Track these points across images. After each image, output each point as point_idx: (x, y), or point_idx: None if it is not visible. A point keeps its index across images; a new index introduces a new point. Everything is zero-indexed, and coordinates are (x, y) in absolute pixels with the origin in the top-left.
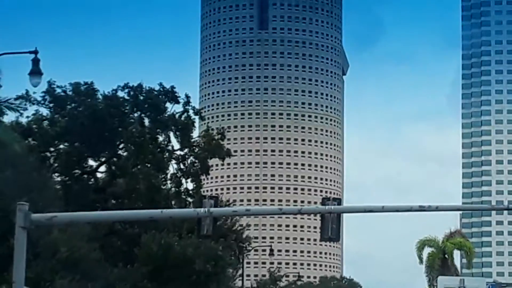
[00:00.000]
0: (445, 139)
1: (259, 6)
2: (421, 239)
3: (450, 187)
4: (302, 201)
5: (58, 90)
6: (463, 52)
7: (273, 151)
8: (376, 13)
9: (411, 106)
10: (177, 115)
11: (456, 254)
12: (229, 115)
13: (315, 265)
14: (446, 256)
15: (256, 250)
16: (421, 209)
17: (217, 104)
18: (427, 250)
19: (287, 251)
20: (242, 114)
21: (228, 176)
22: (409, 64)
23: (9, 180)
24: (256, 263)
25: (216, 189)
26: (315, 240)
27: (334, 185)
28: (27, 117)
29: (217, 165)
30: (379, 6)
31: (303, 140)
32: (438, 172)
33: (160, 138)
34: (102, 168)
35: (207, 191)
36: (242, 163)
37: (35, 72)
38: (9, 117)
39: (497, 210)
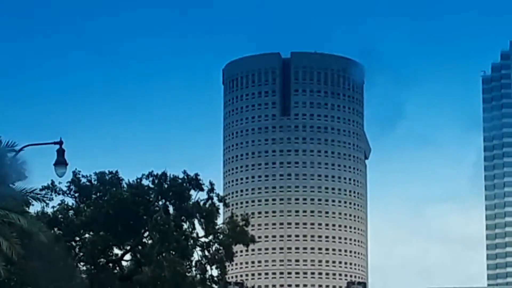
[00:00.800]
0: (469, 221)
1: (281, 93)
2: None
3: (475, 268)
4: (327, 286)
5: (83, 179)
6: (484, 134)
7: (297, 236)
8: (397, 96)
9: (433, 188)
10: (201, 202)
11: None
12: (253, 201)
13: None
14: None
15: None
16: None
17: (241, 191)
18: None
19: None
20: (266, 200)
21: (253, 262)
22: (430, 146)
23: (36, 271)
24: None
25: (241, 275)
26: None
27: (359, 269)
28: (53, 207)
29: (241, 251)
30: (400, 89)
31: (327, 224)
32: (462, 253)
33: (185, 226)
34: (127, 257)
35: (232, 277)
36: (267, 249)
37: (60, 162)
38: (35, 207)
39: None
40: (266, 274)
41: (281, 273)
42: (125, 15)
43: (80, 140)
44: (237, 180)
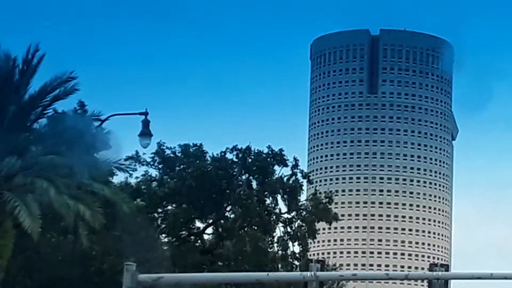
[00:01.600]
0: None
1: (369, 70)
2: None
3: None
4: (409, 267)
5: (168, 151)
6: None
7: (380, 215)
8: (486, 78)
9: None
10: (285, 178)
11: None
12: (337, 179)
13: None
14: None
15: None
16: None
17: (325, 168)
18: None
19: None
20: (350, 178)
21: (335, 240)
22: None
23: (118, 240)
24: None
25: (323, 253)
26: None
27: (442, 251)
28: (136, 177)
29: (324, 228)
30: (490, 71)
31: (411, 205)
32: None
33: (268, 201)
34: (209, 230)
35: (314, 254)
36: (349, 227)
37: (145, 133)
38: (118, 177)
39: None
40: (348, 252)
41: (363, 252)
42: None
43: (166, 112)
44: (321, 157)
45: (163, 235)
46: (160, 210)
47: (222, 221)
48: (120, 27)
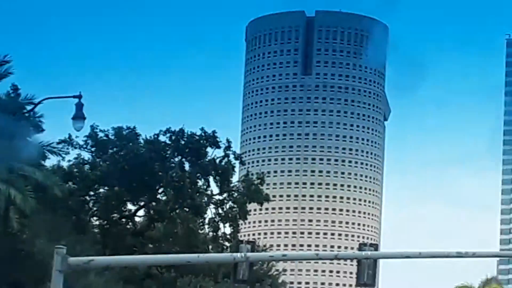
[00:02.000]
0: (485, 185)
1: (304, 52)
2: (457, 285)
3: (488, 233)
4: (339, 247)
5: (101, 134)
6: (506, 98)
7: (311, 196)
8: (418, 59)
9: (451, 151)
10: (217, 160)
11: None
12: (269, 160)
13: None
14: None
15: None
16: (459, 255)
17: (258, 149)
18: None
19: None
20: (283, 159)
21: (266, 221)
22: (450, 111)
23: (48, 224)
24: None
25: (254, 234)
26: (350, 285)
27: (372, 231)
28: (69, 161)
29: (255, 210)
30: (422, 52)
31: (342, 185)
32: (476, 217)
33: (200, 183)
34: (141, 212)
35: (245, 236)
36: (281, 208)
37: (79, 116)
38: (51, 160)
39: None
40: (279, 233)
41: (294, 232)
42: None
43: (99, 95)
44: (254, 138)
45: (95, 218)
46: (92, 193)
47: (154, 204)
48: (56, 11)
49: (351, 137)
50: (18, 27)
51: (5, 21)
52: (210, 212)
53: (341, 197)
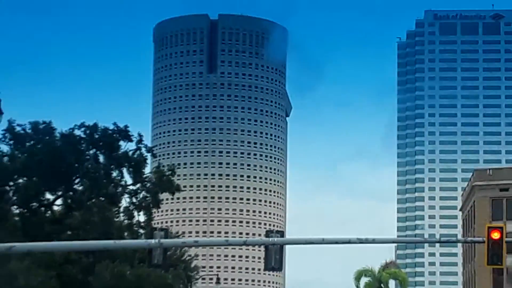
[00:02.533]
0: (381, 177)
1: (209, 52)
2: (358, 269)
3: (386, 221)
4: (247, 233)
5: (18, 128)
6: (398, 96)
7: (220, 186)
8: (317, 60)
9: (348, 146)
10: (130, 153)
11: (391, 283)
12: (179, 153)
13: None
14: (382, 285)
15: (203, 279)
16: (359, 241)
17: (169, 143)
18: (364, 280)
19: (232, 279)
20: (192, 152)
21: (178, 210)
22: (347, 108)
23: None
24: None
25: (167, 222)
26: (259, 269)
27: (277, 219)
28: None
29: (167, 199)
30: (320, 53)
31: (248, 176)
32: (374, 207)
33: (114, 174)
34: (59, 201)
35: (158, 223)
36: (191, 198)
37: None
38: None
39: (429, 242)
40: (191, 221)
41: (204, 220)
42: None
43: (15, 89)
44: (165, 132)
45: (15, 207)
46: (11, 183)
47: (71, 193)
48: None
49: (255, 132)
50: None
51: None
52: (125, 201)
53: (248, 188)
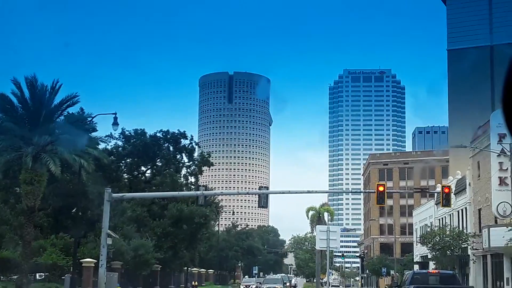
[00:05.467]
0: (319, 159)
1: (228, 91)
2: (308, 206)
3: (322, 181)
4: (249, 187)
5: (127, 132)
6: (329, 115)
7: (234, 163)
8: (283, 94)
9: (301, 142)
10: (186, 145)
11: (325, 214)
12: (212, 145)
13: (254, 220)
14: (320, 215)
15: (225, 212)
16: (308, 191)
17: (207, 140)
18: (311, 212)
19: (240, 213)
20: (217, 145)
21: (212, 175)
22: (298, 119)
23: (99, 178)
24: (224, 218)
25: (206, 182)
26: (254, 207)
27: (264, 178)
28: (111, 146)
29: (206, 170)
30: (286, 90)
31: (247, 157)
32: (318, 175)
33: (178, 156)
34: (148, 171)
35: (201, 182)
36: (218, 169)
37: (115, 123)
38: (101, 146)
39: (345, 192)
40: (218, 181)
41: (225, 181)
42: None
43: (127, 108)
44: (205, 135)
45: (125, 174)
46: (123, 162)
47: (155, 167)
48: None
49: (253, 134)
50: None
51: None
52: (183, 171)
53: (250, 162)
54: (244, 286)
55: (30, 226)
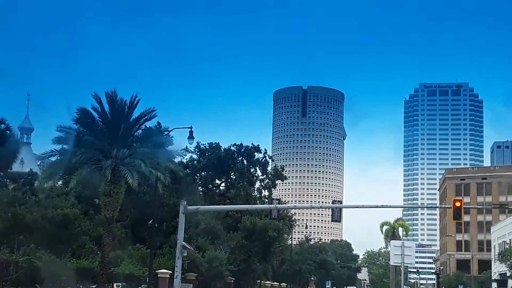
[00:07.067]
0: (392, 172)
1: (302, 106)
2: (382, 221)
3: (397, 196)
4: (320, 201)
5: (202, 146)
6: (404, 130)
7: (306, 177)
8: (357, 108)
9: (373, 155)
10: (260, 159)
11: (400, 229)
12: (284, 159)
13: (327, 234)
14: (395, 230)
15: (298, 225)
16: (382, 206)
17: (280, 154)
18: (385, 227)
19: (314, 226)
20: (290, 159)
21: (285, 189)
22: (373, 134)
23: (175, 190)
24: (297, 232)
25: (279, 195)
26: (328, 221)
27: (338, 192)
28: (186, 159)
29: (280, 183)
30: (360, 104)
31: (321, 171)
32: (390, 189)
33: (252, 170)
34: (223, 184)
35: (275, 196)
36: (291, 183)
37: (190, 137)
38: (177, 159)
39: (421, 207)
40: (290, 195)
41: (298, 195)
42: None
43: (201, 122)
44: (278, 149)
45: (200, 187)
46: (198, 175)
47: (229, 180)
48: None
49: (328, 148)
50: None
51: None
52: (257, 184)
53: (322, 177)
54: None
55: (108, 236)
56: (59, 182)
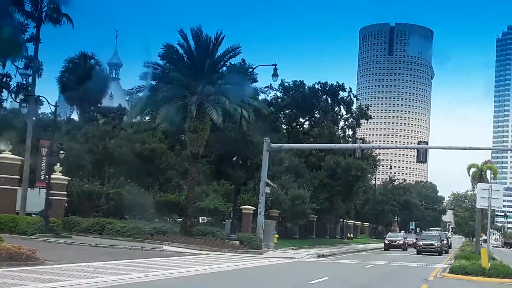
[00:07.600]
0: (484, 114)
1: (389, 42)
2: (469, 163)
3: (484, 138)
4: (405, 142)
5: (286, 84)
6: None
7: (391, 117)
8: (442, 47)
9: (460, 92)
10: (344, 97)
11: (488, 172)
12: (371, 98)
13: (412, 175)
14: (482, 173)
15: (382, 166)
16: (471, 148)
17: (365, 93)
18: (472, 170)
19: (398, 167)
20: (374, 98)
21: (369, 129)
22: (460, 70)
23: (259, 128)
24: (381, 172)
25: (363, 135)
26: (412, 162)
27: (423, 133)
28: (270, 97)
29: (364, 123)
30: (448, 44)
31: (409, 112)
32: (477, 131)
33: (336, 108)
34: (307, 123)
35: (359, 135)
36: (376, 122)
37: (275, 75)
38: (261, 96)
39: (511, 150)
40: (374, 135)
41: (383, 135)
42: None
43: (286, 60)
44: (364, 88)
45: (283, 125)
46: (282, 113)
47: (313, 118)
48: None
49: (414, 87)
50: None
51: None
52: (342, 123)
53: (410, 117)
54: (388, 241)
55: (194, 172)
56: (147, 117)
